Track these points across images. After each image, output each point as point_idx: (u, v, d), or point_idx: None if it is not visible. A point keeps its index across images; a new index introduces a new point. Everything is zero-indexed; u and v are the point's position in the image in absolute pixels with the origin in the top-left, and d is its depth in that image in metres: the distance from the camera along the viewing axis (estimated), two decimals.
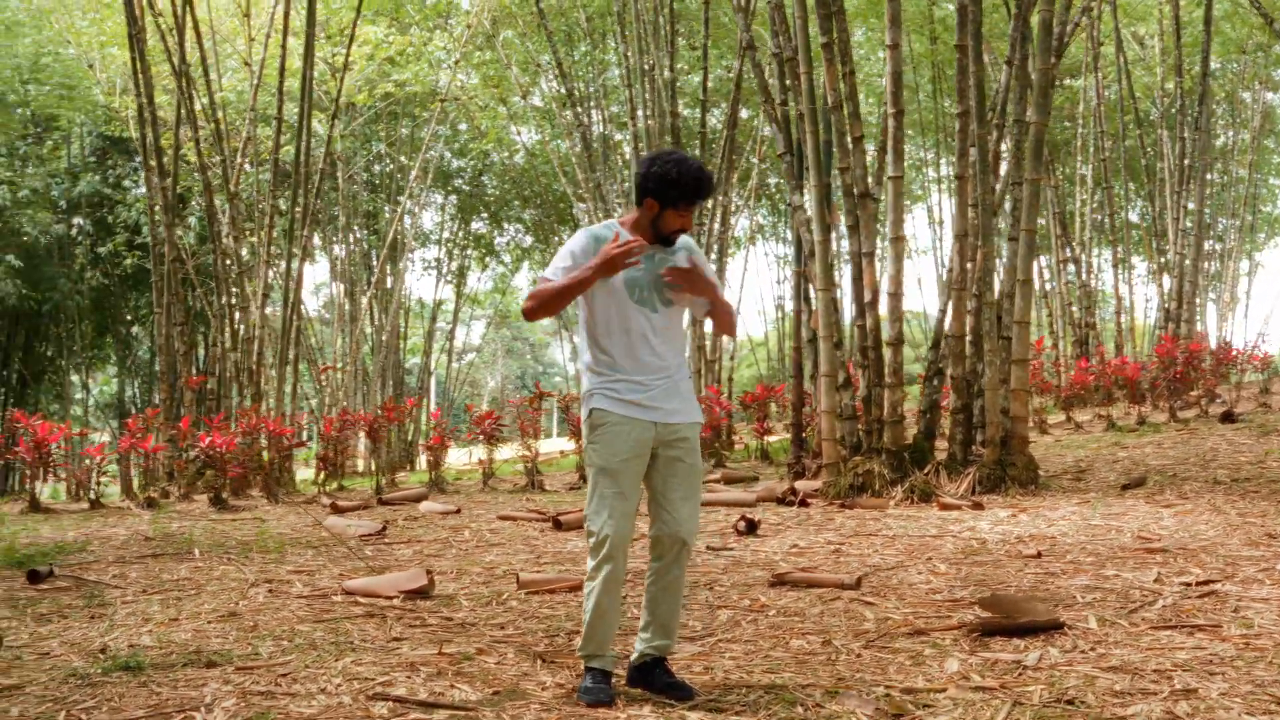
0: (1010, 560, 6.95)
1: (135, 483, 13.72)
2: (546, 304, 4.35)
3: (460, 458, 19.66)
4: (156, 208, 17.03)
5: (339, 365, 25.65)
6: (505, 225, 33.26)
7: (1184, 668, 4.47)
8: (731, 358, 22.39)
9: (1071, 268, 22.81)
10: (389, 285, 27.24)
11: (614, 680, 4.33)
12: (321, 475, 14.20)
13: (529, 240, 33.65)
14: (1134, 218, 28.79)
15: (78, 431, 13.00)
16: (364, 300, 26.30)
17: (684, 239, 4.50)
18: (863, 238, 10.52)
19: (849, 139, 10.49)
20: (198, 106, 17.81)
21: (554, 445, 25.66)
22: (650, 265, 4.36)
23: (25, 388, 29.56)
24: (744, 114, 23.40)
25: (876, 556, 7.33)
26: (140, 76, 15.96)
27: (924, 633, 5.22)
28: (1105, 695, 4.18)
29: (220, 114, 18.66)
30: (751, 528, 8.43)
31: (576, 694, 4.28)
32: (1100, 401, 16.34)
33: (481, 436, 14.10)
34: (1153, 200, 23.08)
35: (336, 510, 11.17)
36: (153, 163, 16.84)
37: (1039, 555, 7.02)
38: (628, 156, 20.71)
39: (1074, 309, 22.13)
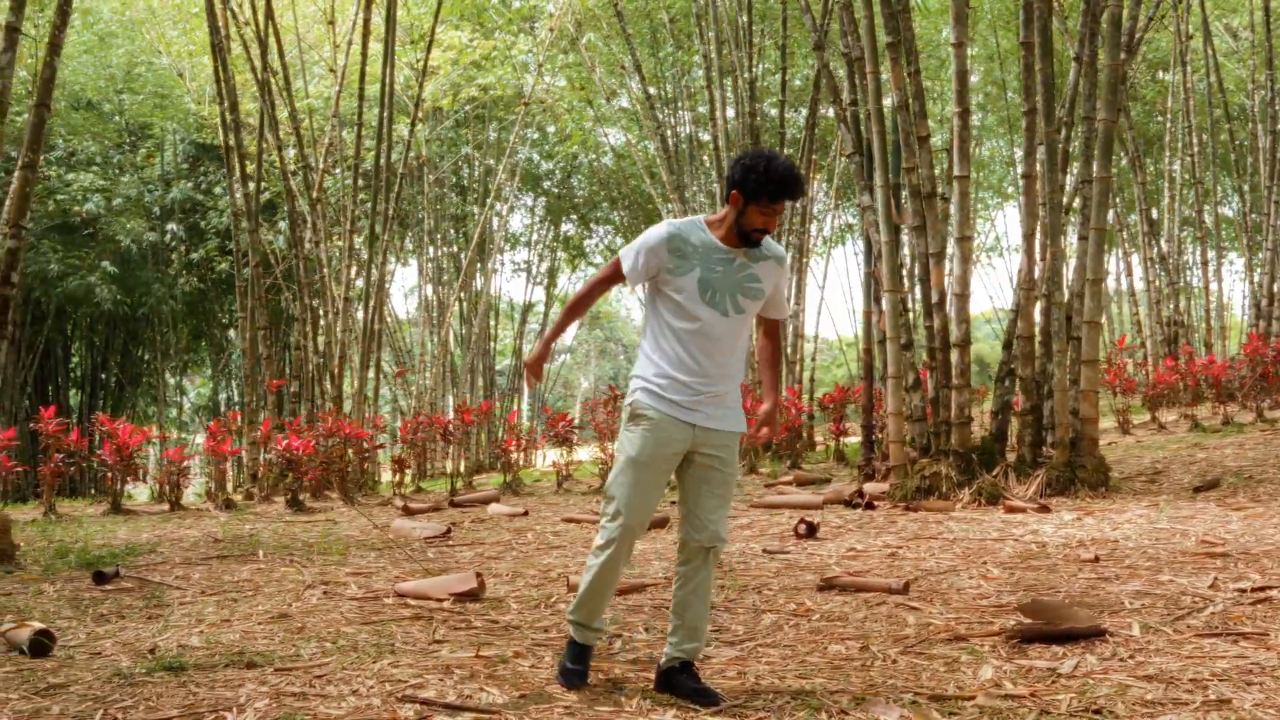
0: (1066, 565, 6.87)
1: (229, 483, 14.05)
2: (583, 294, 4.68)
3: (554, 458, 19.80)
4: (240, 213, 17.37)
5: (427, 367, 25.94)
6: (594, 227, 33.32)
7: (1221, 677, 4.39)
8: (813, 358, 22.25)
9: (1160, 265, 22.33)
10: (478, 287, 27.52)
11: (593, 654, 4.57)
12: (398, 477, 14.39)
13: (620, 242, 33.73)
14: (1228, 213, 28.11)
15: (160, 435, 13.29)
16: (453, 302, 26.56)
17: (775, 249, 4.42)
18: (930, 238, 10.43)
19: (915, 138, 10.40)
20: (284, 114, 18.16)
21: None
22: (729, 269, 4.29)
23: (123, 391, 30.38)
24: (829, 113, 23.29)
25: (931, 560, 7.28)
26: (223, 85, 16.30)
27: (963, 639, 5.19)
28: (1135, 705, 4.12)
29: (306, 120, 19.01)
30: (811, 531, 8.41)
31: (556, 673, 4.55)
32: (1187, 401, 16.00)
33: (556, 439, 14.20)
34: (1244, 196, 22.53)
35: (408, 513, 11.33)
36: (236, 169, 17.18)
37: (1096, 560, 6.92)
38: (709, 158, 20.65)
39: (1162, 307, 21.67)
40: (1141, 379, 17.74)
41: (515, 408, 28.75)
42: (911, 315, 11.14)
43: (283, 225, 24.34)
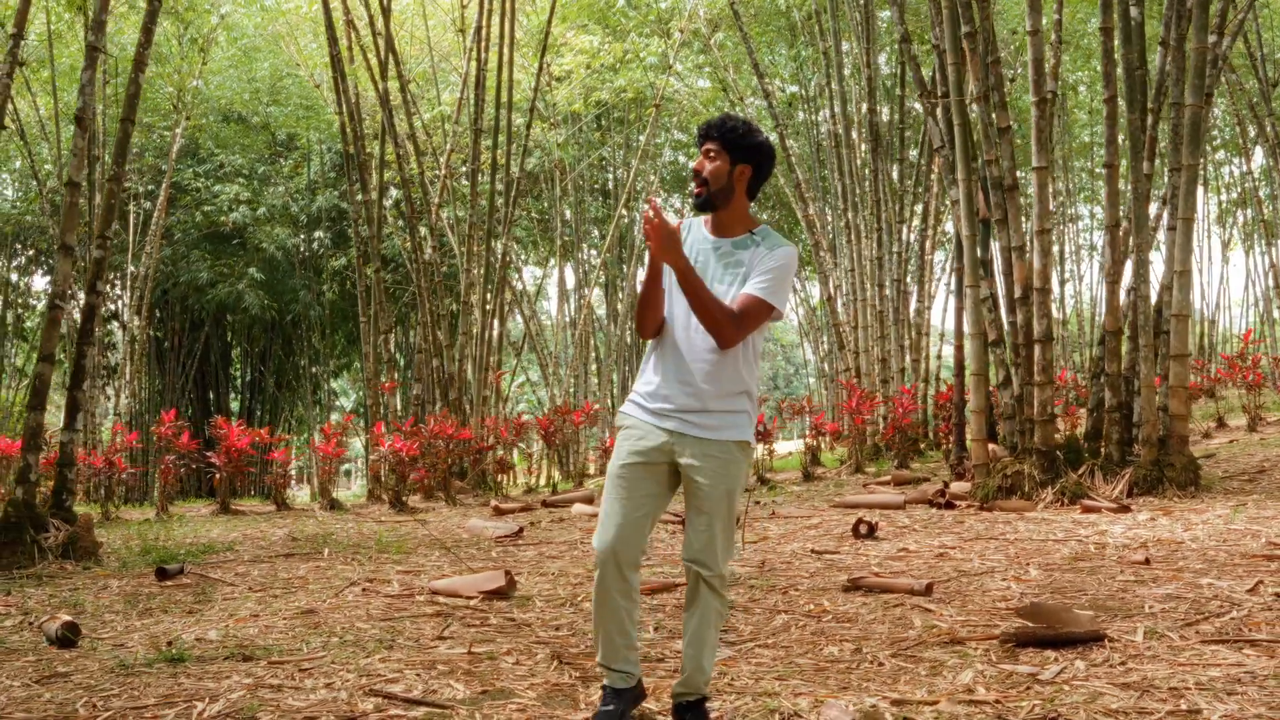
0: (1112, 566, 6.65)
1: (377, 483, 14.45)
2: (638, 314, 3.96)
3: None
4: (360, 219, 17.83)
5: (563, 368, 26.26)
6: None
7: (1204, 687, 4.22)
8: (938, 356, 21.86)
9: None
10: (623, 290, 27.78)
11: (632, 697, 3.98)
12: (533, 478, 14.60)
13: None
14: None
15: (277, 438, 13.74)
16: (595, 304, 26.82)
17: (771, 239, 3.96)
18: (1012, 231, 10.17)
19: (995, 130, 10.16)
20: (407, 124, 18.59)
21: (792, 446, 25.54)
22: (711, 259, 3.94)
23: (280, 393, 31.50)
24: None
25: (975, 562, 7.12)
26: (342, 96, 16.77)
27: (960, 642, 5.07)
28: (1098, 713, 3.98)
29: (439, 129, 19.39)
30: (870, 531, 8.29)
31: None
32: None
33: None
34: None
35: (498, 513, 11.50)
36: (356, 178, 17.65)
37: (1146, 562, 6.69)
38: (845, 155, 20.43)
39: None
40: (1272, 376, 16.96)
41: None
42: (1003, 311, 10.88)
43: (423, 230, 24.98)
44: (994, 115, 10.17)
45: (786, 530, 9.10)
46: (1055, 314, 28.04)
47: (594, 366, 27.98)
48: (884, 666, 4.78)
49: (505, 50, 17.46)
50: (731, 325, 3.81)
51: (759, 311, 3.87)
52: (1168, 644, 4.82)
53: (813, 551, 7.79)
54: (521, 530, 9.54)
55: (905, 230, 18.64)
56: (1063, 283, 27.81)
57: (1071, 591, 6.00)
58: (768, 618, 5.81)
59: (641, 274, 4.07)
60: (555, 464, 17.35)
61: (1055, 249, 28.55)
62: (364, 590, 6.85)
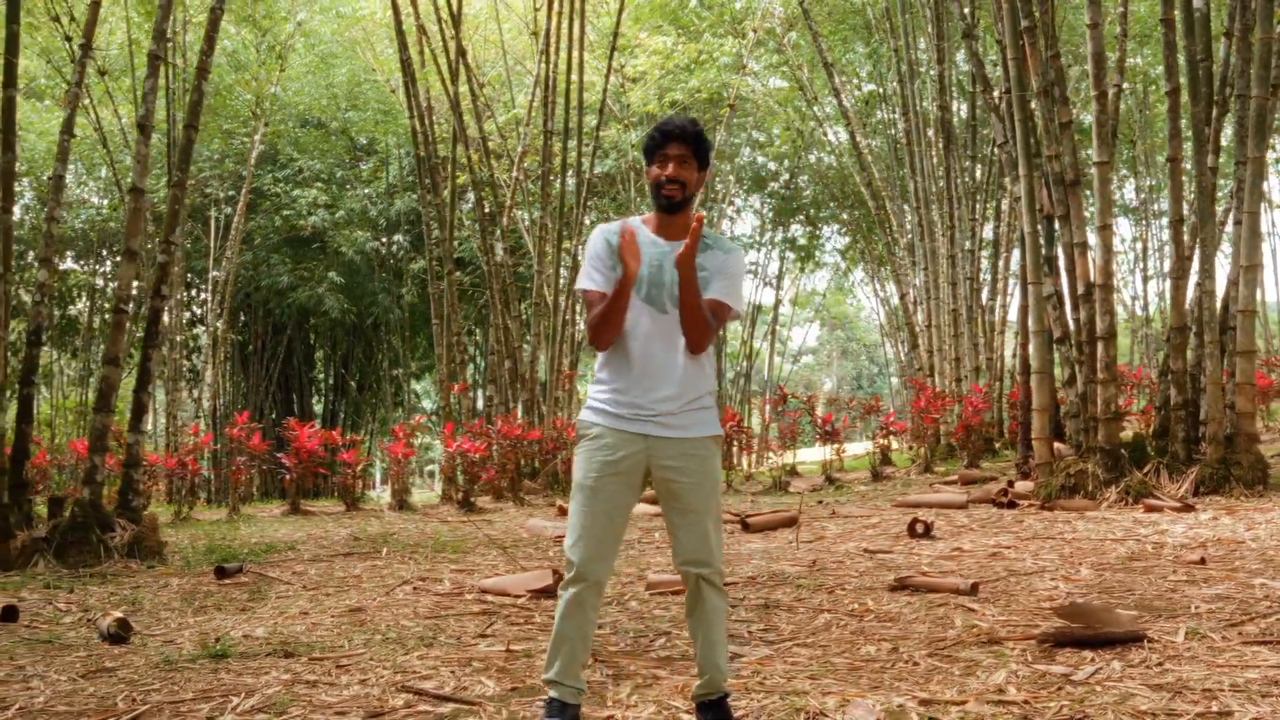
0: (1165, 566, 6.56)
1: (449, 484, 14.64)
2: (605, 327, 3.87)
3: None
4: (430, 223, 18.03)
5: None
6: (823, 227, 33.00)
7: (1239, 689, 4.15)
8: (1014, 354, 21.55)
9: None
10: None
11: (574, 714, 3.86)
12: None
13: (845, 241, 33.39)
14: None
15: (347, 439, 13.96)
16: None
17: (721, 242, 3.99)
18: (1074, 227, 10.04)
19: (1056, 124, 10.04)
20: (490, 126, 18.76)
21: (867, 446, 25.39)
22: (665, 263, 3.89)
23: (362, 396, 31.95)
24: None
25: (1029, 561, 7.05)
26: (412, 100, 16.98)
27: (998, 642, 5.04)
28: (1126, 715, 3.94)
29: (513, 132, 19.54)
30: (926, 531, 8.25)
31: None
32: None
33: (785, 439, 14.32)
34: None
35: (562, 513, 11.57)
36: (429, 181, 17.85)
37: (1202, 562, 6.59)
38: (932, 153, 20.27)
39: None
40: None
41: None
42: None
43: (495, 234, 25.20)
44: (1055, 110, 10.05)
45: (844, 530, 9.08)
46: (1138, 311, 27.63)
47: None
48: (919, 666, 4.76)
49: (575, 52, 17.58)
50: (712, 331, 3.87)
51: (725, 315, 3.93)
52: (1208, 645, 4.76)
53: (865, 551, 7.77)
54: None
55: (979, 228, 18.46)
56: (1145, 279, 27.34)
57: (1120, 591, 5.93)
58: (810, 617, 5.82)
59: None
60: None
61: (1139, 245, 28.10)
62: (415, 589, 6.96)
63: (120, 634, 5.50)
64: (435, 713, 4.19)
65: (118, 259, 28.31)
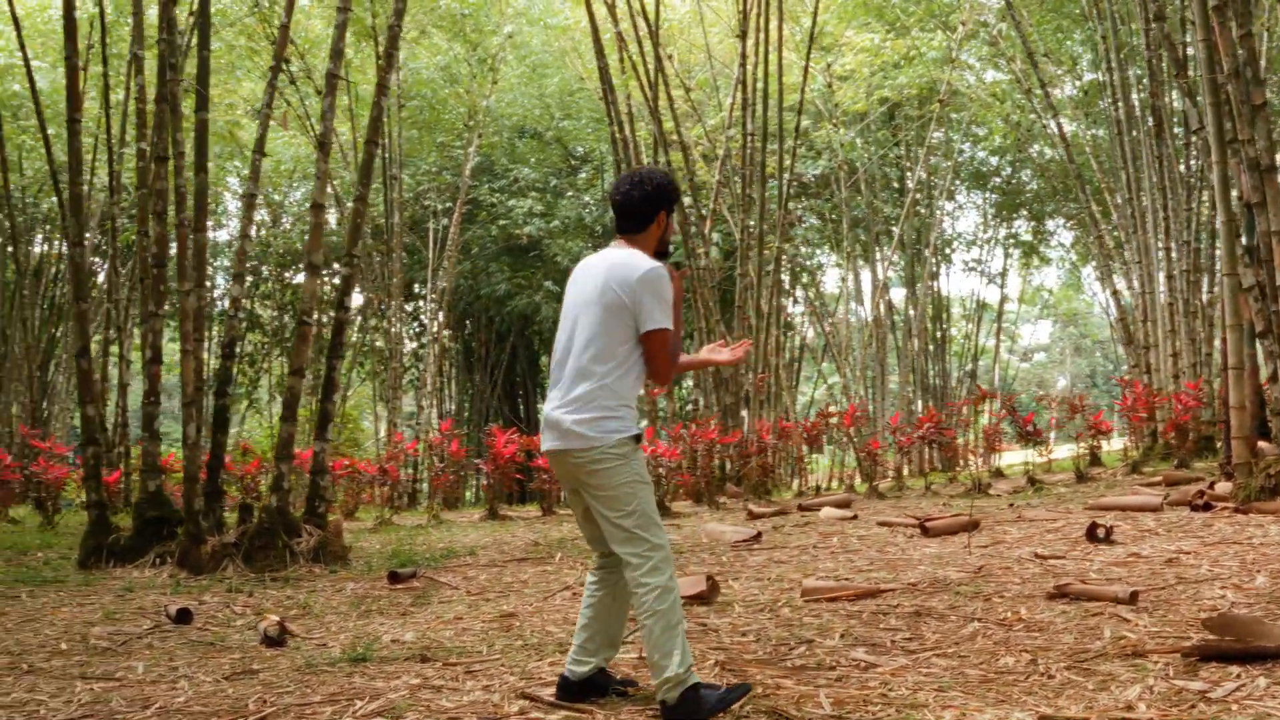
0: None
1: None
2: (674, 368, 4.59)
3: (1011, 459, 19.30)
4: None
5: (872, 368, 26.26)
6: (1047, 222, 32.11)
7: None
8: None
9: None
10: (917, 288, 27.48)
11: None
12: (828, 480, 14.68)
13: (1072, 236, 32.39)
14: None
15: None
16: (895, 304, 26.58)
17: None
18: (1270, 215, 9.52)
19: (1249, 107, 9.54)
20: (695, 131, 18.92)
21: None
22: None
23: None
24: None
25: (1205, 568, 6.74)
26: (611, 107, 17.27)
27: (1143, 654, 4.86)
28: None
29: (720, 134, 19.63)
30: (1106, 535, 7.97)
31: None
32: None
33: (920, 441, 14.04)
34: None
35: (752, 516, 11.60)
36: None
37: None
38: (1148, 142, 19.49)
39: None
40: None
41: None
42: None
43: (716, 237, 25.28)
44: (1249, 91, 9.55)
45: (1024, 534, 8.83)
46: None
47: (894, 366, 27.70)
48: (1053, 679, 4.63)
49: (777, 52, 17.58)
50: None
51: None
52: None
53: (1036, 556, 7.55)
54: (760, 535, 9.60)
55: (1194, 218, 17.63)
56: None
57: None
58: (959, 625, 5.71)
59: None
60: (837, 465, 17.35)
61: None
62: (574, 594, 7.09)
63: (278, 637, 5.79)
64: (547, 719, 4.29)
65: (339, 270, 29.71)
